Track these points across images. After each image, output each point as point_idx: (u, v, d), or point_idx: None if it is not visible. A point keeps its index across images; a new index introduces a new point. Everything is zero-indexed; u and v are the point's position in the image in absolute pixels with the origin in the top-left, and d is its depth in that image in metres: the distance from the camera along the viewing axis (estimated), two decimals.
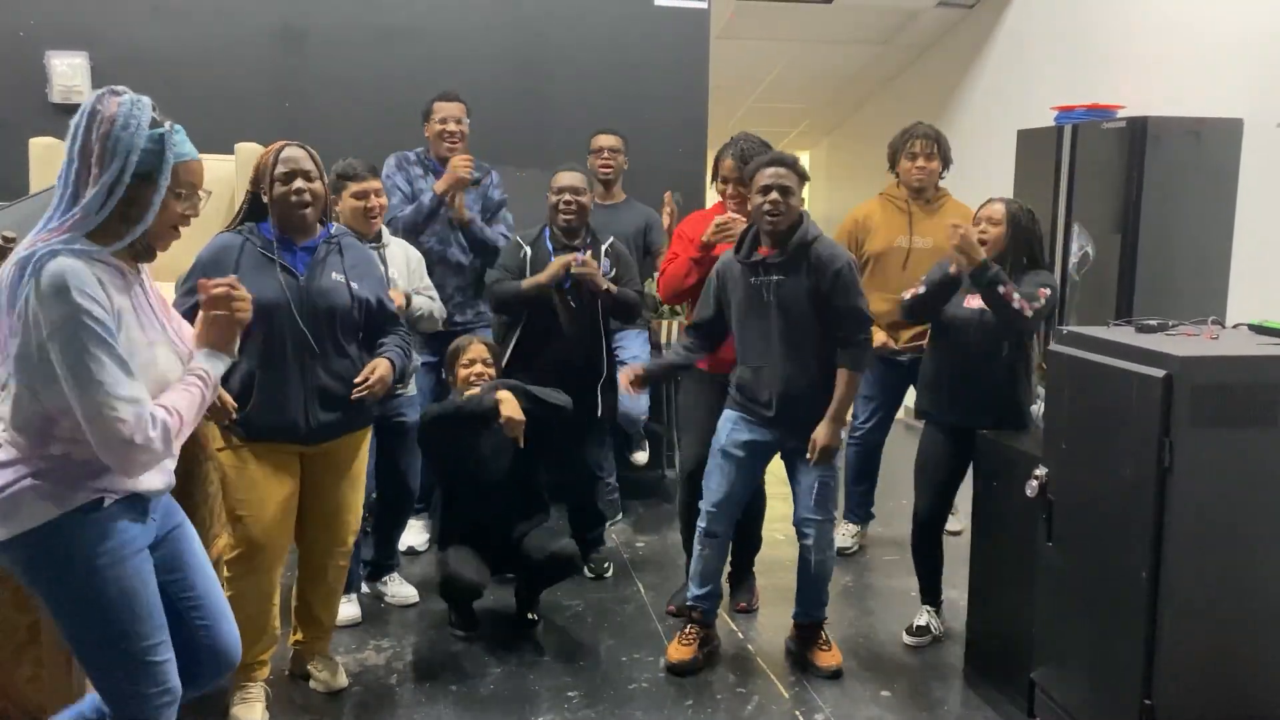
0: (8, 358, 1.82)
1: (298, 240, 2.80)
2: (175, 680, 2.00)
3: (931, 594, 3.53)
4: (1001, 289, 3.01)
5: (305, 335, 2.72)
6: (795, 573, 3.33)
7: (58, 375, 1.77)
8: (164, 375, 1.93)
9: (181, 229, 1.97)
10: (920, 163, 3.95)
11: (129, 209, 1.84)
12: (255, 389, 2.71)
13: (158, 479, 1.99)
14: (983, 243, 3.13)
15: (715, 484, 3.27)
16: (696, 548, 3.31)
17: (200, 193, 1.96)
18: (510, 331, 3.84)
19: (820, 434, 3.12)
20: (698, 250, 3.45)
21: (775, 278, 3.10)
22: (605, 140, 4.53)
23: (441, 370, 4.04)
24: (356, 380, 2.77)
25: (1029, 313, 3.02)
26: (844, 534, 4.33)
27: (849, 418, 3.47)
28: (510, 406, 3.25)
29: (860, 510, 4.39)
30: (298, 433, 2.77)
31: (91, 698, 2.06)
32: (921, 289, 3.25)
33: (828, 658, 3.29)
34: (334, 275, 2.81)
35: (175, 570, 2.08)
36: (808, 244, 3.09)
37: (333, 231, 2.88)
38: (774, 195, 3.04)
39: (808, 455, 3.15)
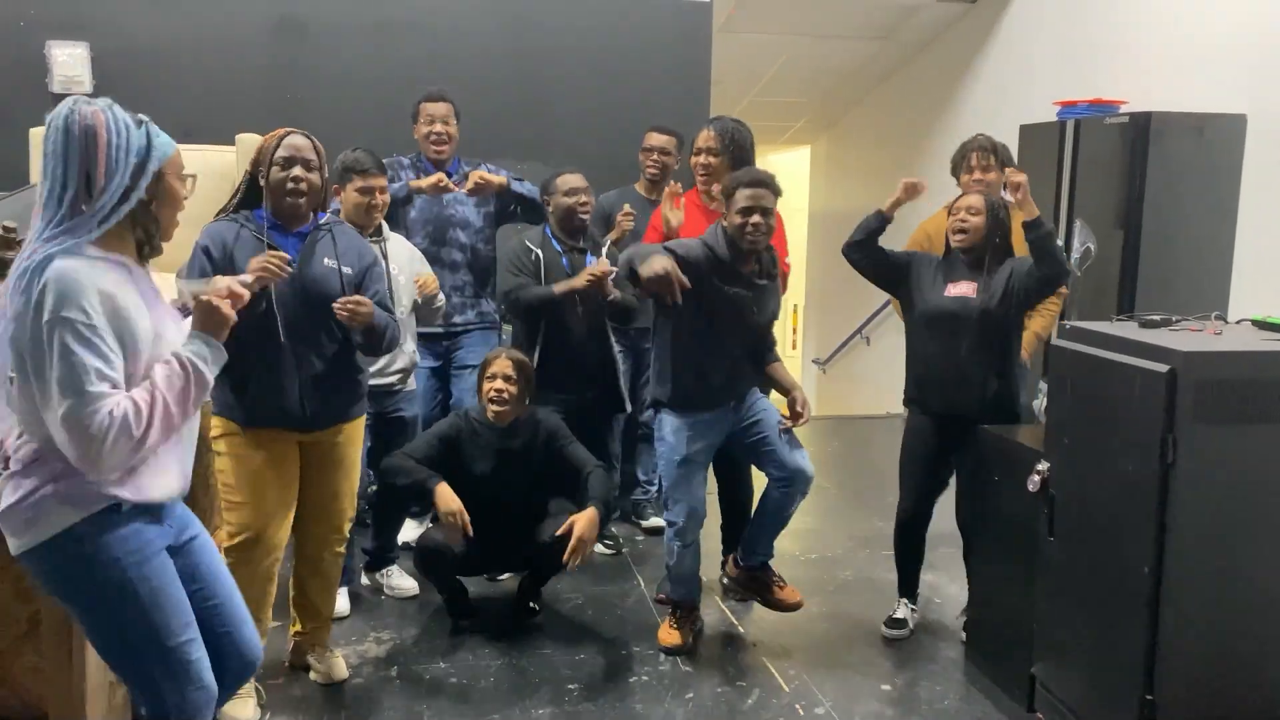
0: (20, 363, 1.84)
1: (291, 227, 2.80)
2: (211, 679, 2.03)
3: (909, 586, 3.55)
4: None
5: (299, 321, 2.74)
6: (781, 553, 3.41)
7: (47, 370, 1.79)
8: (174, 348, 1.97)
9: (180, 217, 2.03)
10: (977, 175, 3.70)
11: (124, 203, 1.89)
12: (252, 376, 2.72)
13: (174, 482, 2.02)
14: (964, 230, 3.21)
15: (685, 494, 3.28)
16: (675, 556, 3.34)
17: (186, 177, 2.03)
18: (532, 340, 3.78)
19: (800, 396, 3.30)
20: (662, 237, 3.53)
21: (758, 290, 3.24)
22: (657, 139, 4.32)
23: (439, 373, 4.05)
24: (342, 300, 2.72)
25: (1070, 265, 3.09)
26: None
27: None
28: (445, 500, 3.23)
29: None
30: (295, 419, 2.79)
31: None
32: (857, 235, 3.33)
33: (790, 593, 3.41)
34: (326, 261, 2.81)
35: (195, 581, 2.09)
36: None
37: (322, 221, 2.87)
38: (755, 218, 3.10)
39: (799, 410, 3.25)
